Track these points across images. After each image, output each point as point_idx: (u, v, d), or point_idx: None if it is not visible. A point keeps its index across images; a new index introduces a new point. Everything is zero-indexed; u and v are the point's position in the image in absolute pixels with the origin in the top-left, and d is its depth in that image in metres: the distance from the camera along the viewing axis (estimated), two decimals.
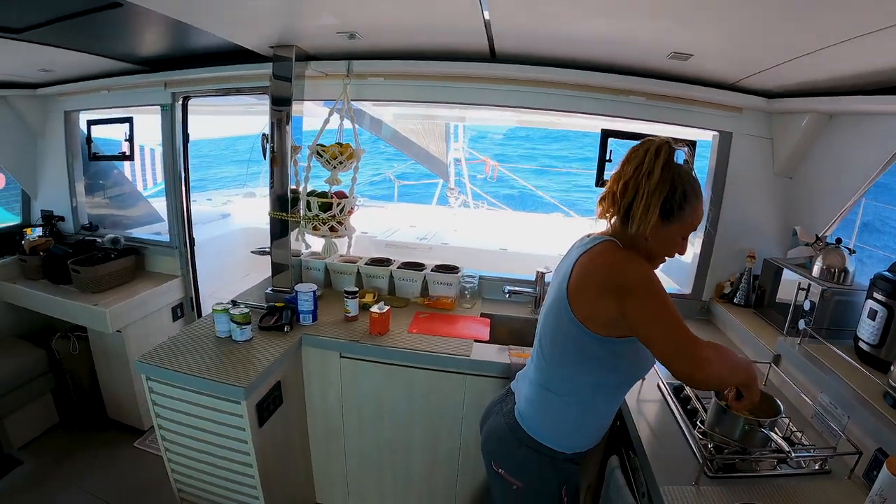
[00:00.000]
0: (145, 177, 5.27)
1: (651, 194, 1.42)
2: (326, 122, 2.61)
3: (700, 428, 1.77)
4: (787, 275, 2.47)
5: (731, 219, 2.80)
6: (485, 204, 7.94)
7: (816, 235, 2.40)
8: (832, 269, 2.26)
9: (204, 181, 15.78)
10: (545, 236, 4.94)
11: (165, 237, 3.46)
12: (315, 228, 2.62)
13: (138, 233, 3.79)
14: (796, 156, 2.61)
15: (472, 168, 8.31)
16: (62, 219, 3.66)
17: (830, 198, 2.45)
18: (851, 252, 2.29)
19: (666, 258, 1.59)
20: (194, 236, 3.48)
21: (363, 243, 4.09)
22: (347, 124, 2.70)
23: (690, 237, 1.57)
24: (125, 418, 3.42)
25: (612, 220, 1.56)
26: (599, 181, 2.71)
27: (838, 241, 2.32)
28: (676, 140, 1.48)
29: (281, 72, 2.53)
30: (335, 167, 2.55)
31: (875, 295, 1.90)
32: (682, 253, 1.58)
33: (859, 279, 2.21)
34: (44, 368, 3.34)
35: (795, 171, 2.69)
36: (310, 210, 2.61)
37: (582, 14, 1.81)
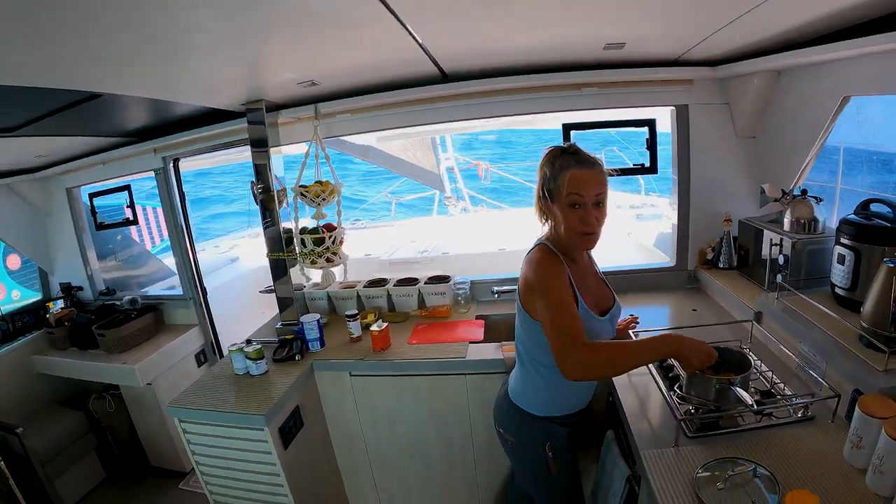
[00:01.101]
0: (152, 235, 5.47)
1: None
2: (304, 164, 2.77)
3: (678, 393, 1.87)
4: (766, 232, 2.51)
5: (702, 186, 2.88)
6: (484, 207, 8.03)
7: (782, 190, 2.45)
8: (801, 221, 2.33)
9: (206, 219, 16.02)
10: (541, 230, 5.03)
11: (179, 291, 3.63)
12: (313, 262, 2.80)
13: (154, 289, 3.98)
14: (755, 116, 2.68)
15: (466, 174, 8.42)
16: (80, 288, 3.86)
17: (793, 151, 2.51)
18: (819, 200, 2.34)
19: (591, 234, 1.70)
20: (206, 285, 3.64)
21: (368, 265, 4.23)
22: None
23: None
24: (167, 464, 3.61)
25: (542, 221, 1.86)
26: None
27: (804, 192, 2.37)
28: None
29: (255, 119, 2.69)
30: (319, 204, 2.71)
31: (842, 240, 1.94)
32: (586, 224, 1.67)
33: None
34: (84, 429, 3.53)
35: (757, 130, 2.75)
36: (305, 247, 2.78)
37: (504, 31, 1.93)
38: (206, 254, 5.38)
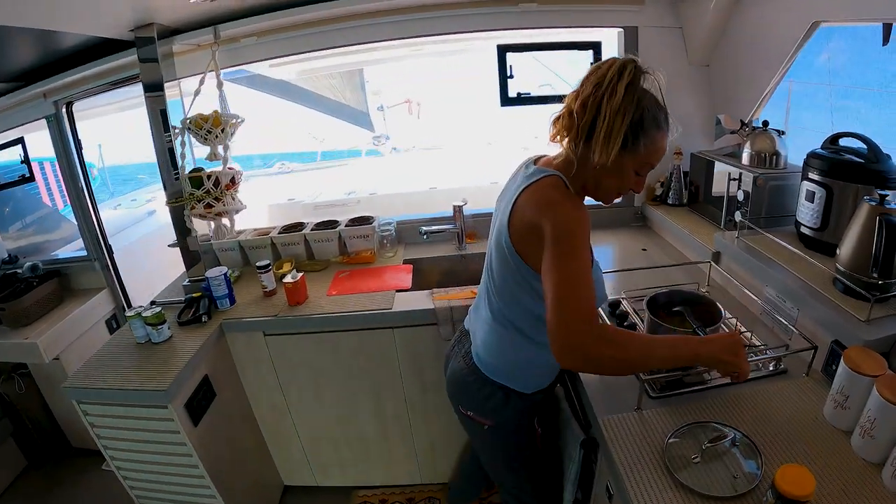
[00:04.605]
0: (63, 193, 4.84)
1: (614, 116, 1.17)
2: (197, 93, 2.28)
3: None
4: (719, 167, 2.23)
5: None
6: (415, 146, 7.71)
7: (741, 121, 2.17)
8: (762, 154, 2.04)
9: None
10: (480, 166, 4.80)
11: (84, 252, 3.14)
12: (192, 208, 2.32)
13: (65, 252, 3.43)
14: (709, 42, 2.37)
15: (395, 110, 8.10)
16: None
17: (752, 81, 2.23)
18: (781, 133, 2.05)
19: (620, 195, 1.36)
20: (121, 242, 3.22)
21: (291, 210, 3.81)
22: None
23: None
24: (88, 444, 3.11)
25: (568, 144, 1.29)
26: (504, 100, 2.48)
27: (765, 123, 2.08)
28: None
29: (147, 55, 2.21)
30: (205, 138, 2.23)
31: (811, 175, 1.67)
32: (636, 190, 1.33)
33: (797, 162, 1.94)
34: None
35: (711, 57, 2.45)
36: (186, 189, 2.32)
37: None
38: (122, 209, 4.83)
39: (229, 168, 2.38)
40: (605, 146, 1.18)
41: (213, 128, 2.23)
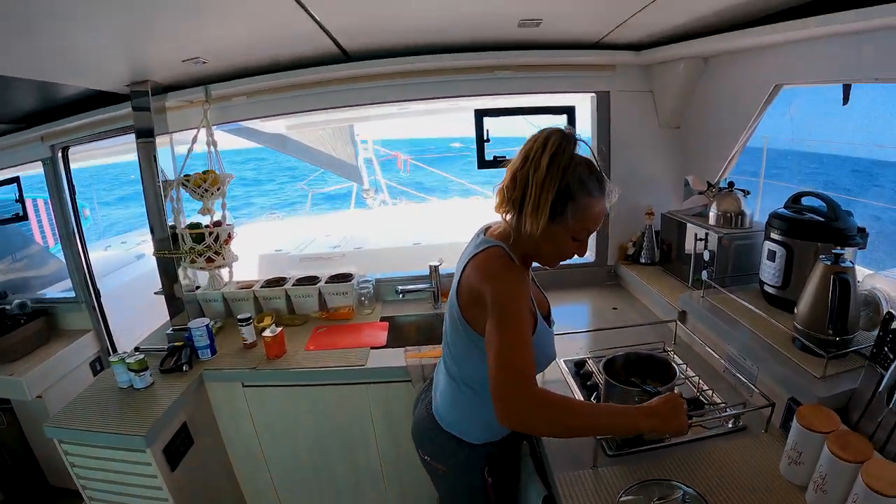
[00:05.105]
0: (54, 231, 4.87)
1: (539, 189, 1.21)
2: (190, 150, 2.36)
3: None
4: (690, 226, 2.29)
5: (622, 178, 2.56)
6: (404, 199, 7.81)
7: (708, 182, 2.25)
8: (728, 214, 2.11)
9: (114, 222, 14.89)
10: (465, 222, 4.81)
11: (72, 293, 3.17)
12: (192, 262, 2.38)
13: (52, 291, 3.47)
14: (679, 105, 2.47)
15: (385, 165, 8.20)
16: None
17: (719, 142, 2.31)
18: (746, 193, 2.13)
19: (562, 259, 1.38)
20: (108, 284, 3.22)
21: (277, 261, 3.86)
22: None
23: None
24: (66, 483, 3.06)
25: (507, 217, 1.34)
26: (481, 163, 2.52)
27: (731, 184, 2.16)
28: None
29: (141, 104, 2.28)
30: (202, 195, 2.30)
31: (772, 235, 1.74)
32: (579, 254, 1.36)
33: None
34: None
35: (681, 120, 2.54)
36: (185, 243, 2.37)
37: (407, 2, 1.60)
38: (112, 251, 4.84)
39: (227, 224, 2.47)
40: (534, 218, 1.22)
41: (210, 186, 2.32)
